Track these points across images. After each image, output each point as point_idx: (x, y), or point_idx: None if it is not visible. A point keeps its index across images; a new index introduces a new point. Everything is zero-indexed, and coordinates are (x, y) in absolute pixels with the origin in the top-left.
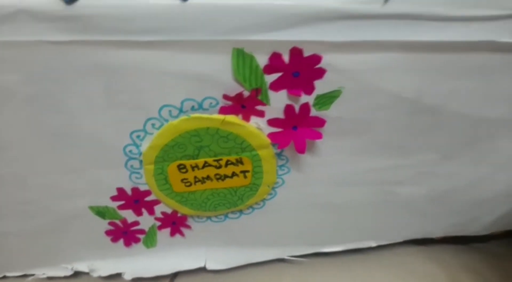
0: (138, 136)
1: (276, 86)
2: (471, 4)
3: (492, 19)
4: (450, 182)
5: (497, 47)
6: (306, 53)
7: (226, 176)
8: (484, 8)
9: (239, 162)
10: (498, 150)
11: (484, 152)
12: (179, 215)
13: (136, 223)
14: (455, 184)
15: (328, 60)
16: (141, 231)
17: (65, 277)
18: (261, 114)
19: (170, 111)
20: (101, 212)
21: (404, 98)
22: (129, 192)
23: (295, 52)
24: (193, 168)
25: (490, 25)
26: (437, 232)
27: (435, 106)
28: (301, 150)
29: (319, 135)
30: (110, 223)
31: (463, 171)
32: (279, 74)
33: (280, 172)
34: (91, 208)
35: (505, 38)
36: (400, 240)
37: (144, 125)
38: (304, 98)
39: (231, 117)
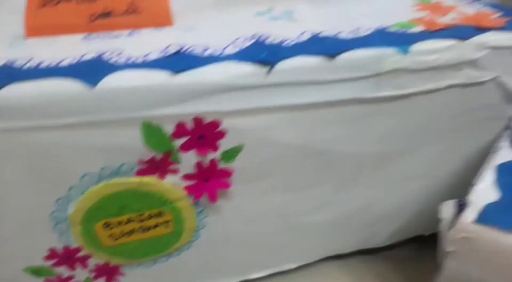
0: (63, 203)
1: (185, 148)
2: (339, 69)
3: (356, 79)
4: (347, 207)
5: (364, 100)
6: (207, 120)
7: (150, 227)
8: (350, 72)
9: (161, 214)
10: (383, 177)
11: (371, 180)
12: (111, 265)
13: (71, 277)
14: (352, 208)
15: (226, 124)
16: None
17: None
18: (175, 172)
19: (90, 178)
20: (36, 271)
21: (296, 147)
22: (60, 251)
23: (197, 120)
24: (118, 224)
25: (356, 85)
26: (347, 248)
27: (322, 150)
28: (213, 199)
29: (227, 185)
30: (46, 281)
31: (356, 197)
32: (186, 138)
33: (200, 217)
34: (26, 269)
35: (368, 94)
36: (317, 259)
37: (68, 192)
38: (212, 155)
39: (147, 179)
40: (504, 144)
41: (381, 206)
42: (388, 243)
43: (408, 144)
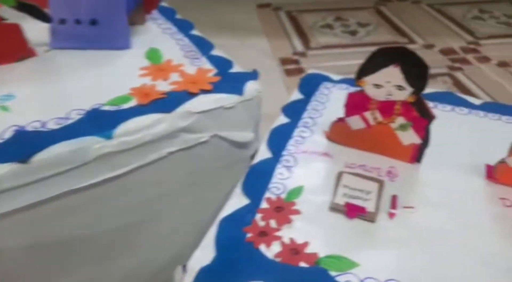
0: None
1: None
2: (38, 170)
3: (62, 173)
4: (125, 269)
5: (82, 189)
6: None
7: None
8: (52, 169)
9: None
10: (149, 236)
11: (136, 244)
12: None
13: None
14: (130, 267)
15: None
16: None
17: None
18: None
19: None
20: None
21: (25, 246)
22: None
23: None
24: None
25: (64, 177)
26: None
27: (62, 239)
28: None
29: None
30: None
31: (129, 258)
32: None
33: None
34: None
35: (80, 184)
36: None
37: None
38: None
39: None
40: (237, 190)
41: (160, 258)
42: None
43: (158, 206)
